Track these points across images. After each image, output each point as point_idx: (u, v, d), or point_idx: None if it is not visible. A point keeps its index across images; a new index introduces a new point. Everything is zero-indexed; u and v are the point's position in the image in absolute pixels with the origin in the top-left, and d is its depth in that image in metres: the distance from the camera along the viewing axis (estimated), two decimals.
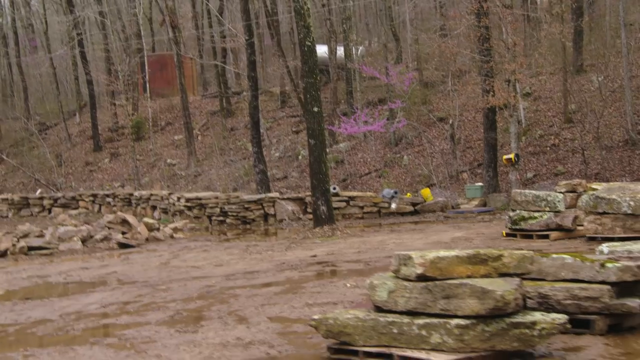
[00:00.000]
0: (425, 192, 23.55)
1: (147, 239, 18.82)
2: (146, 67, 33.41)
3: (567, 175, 23.24)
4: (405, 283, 6.61)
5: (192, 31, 37.04)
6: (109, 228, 18.47)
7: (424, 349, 6.36)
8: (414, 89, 29.91)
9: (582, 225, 14.16)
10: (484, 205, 22.47)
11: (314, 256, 14.16)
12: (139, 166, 31.90)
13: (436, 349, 6.34)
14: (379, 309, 6.81)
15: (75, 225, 19.59)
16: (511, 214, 15.03)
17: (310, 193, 24.10)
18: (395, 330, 6.49)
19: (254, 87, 26.54)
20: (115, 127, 35.16)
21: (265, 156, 29.70)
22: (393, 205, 23.09)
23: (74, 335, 8.06)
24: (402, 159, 27.63)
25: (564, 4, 26.09)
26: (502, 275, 6.73)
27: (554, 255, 7.61)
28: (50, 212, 29.79)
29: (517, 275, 6.77)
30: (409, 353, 6.33)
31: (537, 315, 6.49)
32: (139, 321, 8.63)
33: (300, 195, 24.12)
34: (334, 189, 23.65)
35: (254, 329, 7.89)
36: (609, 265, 7.20)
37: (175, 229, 23.02)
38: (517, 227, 14.88)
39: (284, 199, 23.84)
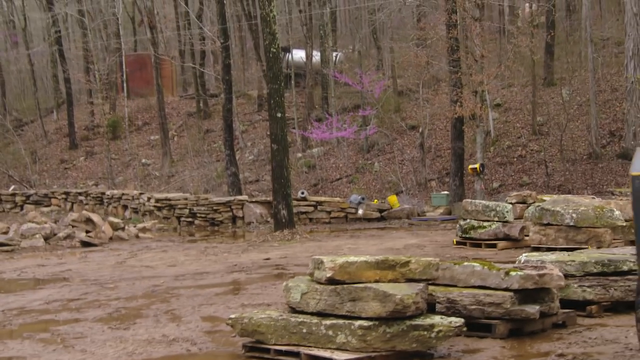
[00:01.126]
0: (392, 199, 24.08)
1: (111, 238, 19.23)
2: (124, 67, 33.82)
3: (531, 186, 23.82)
4: (317, 286, 7.11)
5: (173, 32, 37.47)
6: (72, 226, 18.89)
7: (330, 348, 6.85)
8: (387, 96, 30.47)
9: (528, 236, 14.71)
10: (449, 213, 23.00)
11: (267, 259, 14.64)
12: (113, 165, 32.30)
13: (341, 348, 6.82)
14: (293, 310, 7.31)
15: (45, 223, 20.00)
16: (462, 222, 15.57)
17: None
18: (304, 330, 6.98)
19: (228, 90, 27.02)
20: (91, 126, 35.54)
21: (240, 159, 30.18)
22: (360, 211, 23.58)
23: (10, 330, 8.50)
24: (373, 166, 28.15)
25: (535, 18, 26.74)
26: (409, 280, 7.23)
27: (465, 263, 8.13)
28: (22, 208, 30.11)
29: (423, 280, 7.27)
30: (315, 352, 6.82)
31: (436, 319, 7.00)
32: (77, 317, 9.08)
33: (268, 198, 24.49)
34: (302, 193, 24.17)
35: (184, 327, 8.36)
36: (512, 273, 7.72)
37: (144, 229, 23.43)
38: (467, 235, 15.41)
39: (252, 202, 24.27)
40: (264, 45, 19.08)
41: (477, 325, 7.73)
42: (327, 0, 31.13)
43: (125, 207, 27.54)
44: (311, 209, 23.92)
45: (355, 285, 6.92)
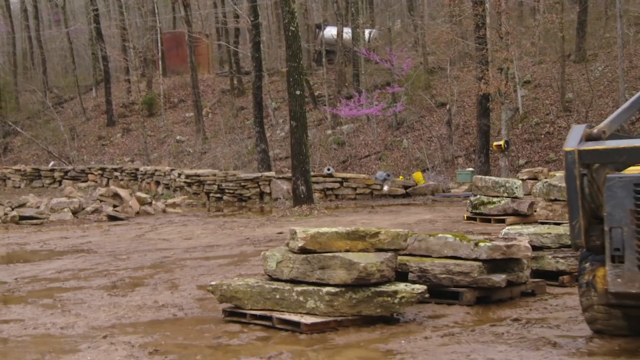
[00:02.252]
0: (417, 175, 24.50)
1: (137, 213, 20.05)
2: (159, 45, 34.62)
3: (557, 162, 23.99)
4: (290, 255, 7.67)
5: (209, 10, 38.13)
6: (100, 201, 19.74)
7: (300, 313, 7.40)
8: (418, 74, 30.73)
9: (536, 211, 15.05)
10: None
11: (280, 233, 15.23)
12: (149, 142, 33.23)
13: (311, 313, 7.37)
14: (270, 278, 7.89)
15: (75, 197, 20.94)
16: (472, 198, 15.96)
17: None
18: (278, 296, 7.55)
19: (258, 68, 27.58)
20: (128, 103, 36.50)
21: (271, 136, 30.83)
22: (385, 188, 24.06)
23: (18, 296, 9.24)
24: (402, 143, 28.54)
25: None
26: (378, 250, 7.74)
27: (439, 235, 8.60)
28: (60, 184, 31.27)
29: (392, 250, 7.78)
30: (286, 316, 7.37)
31: (400, 286, 7.51)
32: (82, 285, 9.79)
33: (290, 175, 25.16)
34: (329, 170, 24.73)
35: (177, 295, 9.00)
36: (481, 244, 8.18)
37: (173, 204, 24.30)
38: (477, 211, 15.80)
39: (279, 178, 24.89)
40: (283, 24, 19.57)
41: (447, 293, 8.23)
42: None
43: (157, 182, 28.44)
44: (337, 185, 24.46)
45: (325, 254, 7.45)
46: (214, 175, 25.47)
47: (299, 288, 7.45)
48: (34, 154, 34.77)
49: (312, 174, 24.81)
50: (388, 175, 24.36)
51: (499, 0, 22.83)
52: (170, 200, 24.88)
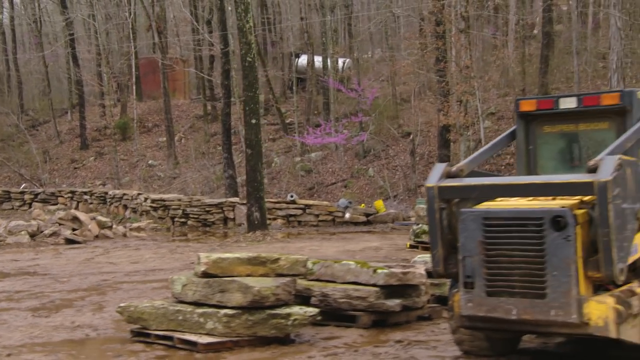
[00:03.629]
0: (378, 203, 25.18)
1: (97, 236, 20.63)
2: (133, 70, 35.33)
3: None
4: (194, 279, 8.31)
5: (180, 37, 38.96)
6: (59, 224, 20.31)
7: (200, 333, 8.03)
8: (385, 103, 31.54)
9: None
10: None
11: None
12: (122, 166, 33.83)
13: (210, 333, 8.00)
14: (177, 300, 8.52)
15: (34, 220, 21.53)
16: (414, 227, 16.64)
17: (268, 199, 25.88)
18: (180, 317, 8.17)
19: (227, 95, 28.30)
20: (102, 127, 37.16)
21: (241, 162, 31.46)
22: (347, 215, 24.72)
23: None
24: (368, 171, 29.26)
25: (528, 29, 27.60)
26: (279, 275, 8.40)
27: (343, 262, 9.27)
28: (30, 206, 31.74)
29: (291, 275, 8.43)
30: (186, 336, 7.99)
31: (295, 309, 8.15)
32: (12, 307, 10.36)
33: None
34: (292, 196, 25.38)
35: (98, 316, 9.61)
36: (379, 271, 8.85)
37: (138, 228, 24.85)
38: (419, 239, 16.45)
39: (243, 203, 25.46)
40: (240, 55, 20.31)
41: (346, 317, 8.88)
42: (330, 9, 32.19)
43: (125, 206, 28.99)
44: (300, 212, 25.07)
45: (225, 278, 8.10)
46: (179, 200, 26.05)
47: (200, 310, 8.08)
48: (6, 177, 35.32)
49: (276, 200, 25.53)
50: (350, 203, 25.03)
51: (457, 35, 23.66)
52: (135, 224, 25.42)
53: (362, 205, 25.81)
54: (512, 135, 7.68)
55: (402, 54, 30.96)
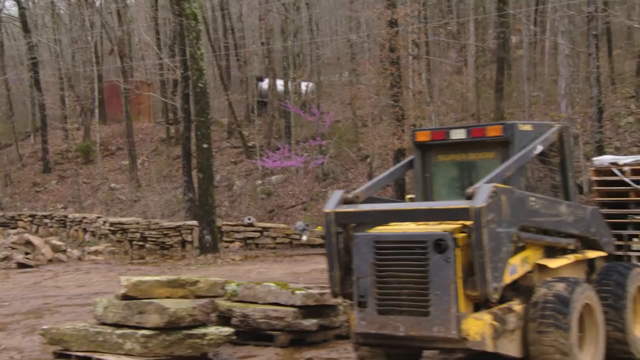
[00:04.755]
0: None
1: (50, 260, 20.94)
2: (96, 93, 35.70)
3: None
4: (115, 301, 8.74)
5: (140, 61, 39.44)
6: (12, 248, 20.60)
7: (119, 354, 8.45)
8: (345, 127, 32.16)
9: None
10: None
11: None
12: (84, 189, 34.11)
13: (129, 354, 8.41)
14: (99, 322, 8.94)
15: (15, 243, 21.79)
16: None
17: (226, 222, 26.33)
18: (100, 339, 8.59)
19: (187, 119, 28.73)
20: (65, 151, 37.42)
21: None
22: (304, 237, 25.20)
23: None
24: (327, 194, 29.77)
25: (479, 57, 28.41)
26: (198, 297, 8.86)
27: (265, 284, 9.77)
28: None
29: (210, 297, 8.90)
30: (105, 357, 8.41)
31: (211, 329, 8.61)
32: None
33: (217, 224, 26.21)
34: (249, 219, 25.82)
35: (28, 339, 10.00)
36: (297, 292, 9.34)
37: (96, 252, 25.15)
38: None
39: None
40: (192, 81, 20.83)
41: (266, 336, 9.34)
42: (293, 34, 32.82)
43: (85, 230, 29.26)
44: (258, 234, 25.49)
45: (143, 300, 8.54)
46: (137, 223, 26.37)
47: (119, 331, 8.51)
48: None
49: (234, 223, 25.95)
50: (307, 225, 25.51)
51: (410, 61, 24.33)
52: (92, 248, 25.71)
53: (319, 227, 26.28)
54: (410, 164, 8.23)
55: (359, 79, 31.64)
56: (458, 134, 7.78)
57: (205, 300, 8.78)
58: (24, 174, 37.22)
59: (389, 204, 7.75)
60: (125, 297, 8.63)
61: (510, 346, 6.97)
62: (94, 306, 8.96)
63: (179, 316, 8.40)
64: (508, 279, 7.01)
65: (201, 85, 19.76)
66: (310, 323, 9.23)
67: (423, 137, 8.00)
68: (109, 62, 44.49)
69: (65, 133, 37.57)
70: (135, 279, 8.72)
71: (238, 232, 25.16)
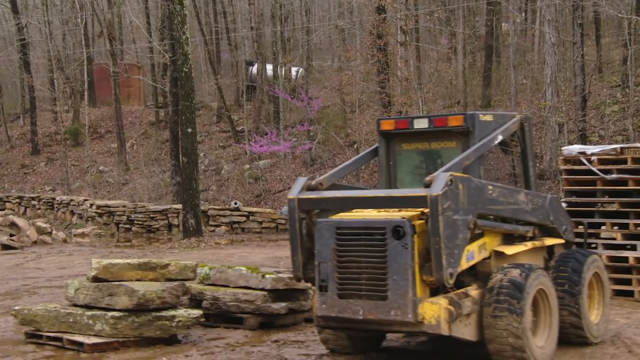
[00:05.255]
0: None
1: (34, 242, 21.09)
2: (85, 76, 35.75)
3: None
4: (86, 283, 8.93)
5: (129, 45, 39.44)
6: None
7: (89, 334, 8.65)
8: (334, 112, 32.29)
9: None
10: None
11: None
12: (72, 171, 34.21)
13: (98, 334, 8.62)
14: (71, 303, 9.13)
15: None
16: None
17: (213, 206, 26.47)
18: (71, 320, 8.78)
19: (175, 103, 28.80)
20: (54, 133, 37.50)
21: None
22: None
23: None
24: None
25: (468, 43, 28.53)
26: (168, 279, 9.06)
27: (236, 268, 9.95)
28: None
29: (180, 280, 9.09)
30: (75, 337, 8.60)
31: (180, 311, 8.81)
32: None
33: (203, 208, 26.37)
34: (235, 204, 25.98)
35: (2, 320, 10.19)
36: (267, 276, 9.53)
37: (82, 234, 25.32)
38: None
39: None
40: (177, 65, 20.94)
41: (236, 319, 9.54)
42: (283, 18, 32.88)
43: (72, 212, 29.43)
44: (244, 219, 25.66)
45: (113, 282, 8.73)
46: (124, 206, 26.53)
47: (89, 312, 8.71)
48: None
49: (220, 207, 26.11)
50: None
51: (396, 49, 24.46)
52: (79, 230, 25.88)
53: None
54: (375, 152, 8.41)
55: (349, 65, 31.75)
56: (421, 124, 7.95)
57: (175, 283, 8.98)
58: (12, 156, 37.30)
59: (350, 191, 7.91)
60: (96, 279, 8.82)
61: (466, 330, 7.18)
62: (65, 288, 9.15)
63: (148, 298, 8.59)
64: (465, 265, 7.21)
65: (186, 70, 19.89)
66: (279, 306, 9.43)
67: (387, 126, 8.17)
68: (99, 45, 44.45)
69: (54, 115, 37.61)
70: (105, 261, 8.91)
71: (224, 216, 25.32)
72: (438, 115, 8.07)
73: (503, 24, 33.97)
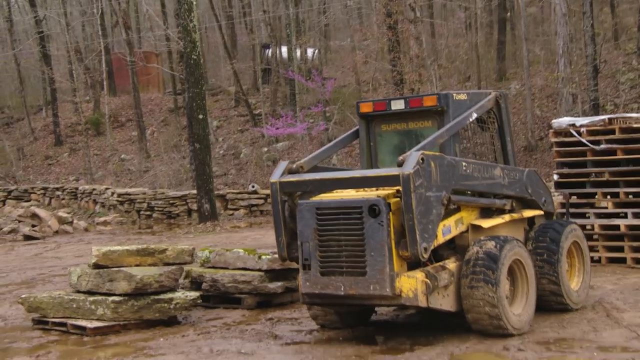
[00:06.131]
0: None
1: (56, 232, 21.69)
2: (103, 65, 36.29)
3: None
4: (87, 270, 9.35)
5: (145, 33, 39.82)
6: (19, 221, 21.36)
7: (92, 319, 9.07)
8: (350, 92, 32.49)
9: None
10: None
11: None
12: (95, 161, 34.85)
13: (100, 319, 9.04)
14: (74, 290, 9.56)
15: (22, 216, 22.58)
16: None
17: (231, 190, 26.90)
18: (74, 305, 9.21)
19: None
20: (76, 123, 38.15)
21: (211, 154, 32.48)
22: None
23: None
24: (332, 159, 30.24)
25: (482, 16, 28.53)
26: (166, 264, 9.46)
27: (234, 250, 10.33)
28: (4, 203, 32.81)
29: (177, 264, 9.48)
30: (79, 322, 9.03)
31: (177, 294, 9.20)
32: None
33: (221, 192, 26.81)
34: (253, 187, 26.36)
35: (14, 308, 10.65)
36: (263, 257, 9.89)
37: (105, 222, 25.93)
38: None
39: None
40: (185, 53, 21.29)
41: (235, 299, 9.93)
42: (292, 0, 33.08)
43: (95, 201, 30.04)
44: (262, 201, 26.02)
45: (113, 268, 9.13)
46: (144, 193, 27.05)
47: (91, 298, 9.13)
48: None
49: (238, 190, 26.52)
50: None
51: (407, 26, 24.56)
52: (101, 219, 26.49)
53: None
54: (356, 134, 8.69)
55: (364, 44, 31.91)
56: (397, 105, 8.22)
57: (173, 267, 9.36)
58: (36, 148, 38.03)
59: (329, 172, 8.20)
60: (96, 266, 9.23)
61: (444, 301, 7.48)
62: (69, 275, 9.58)
63: (146, 282, 8.99)
64: (442, 239, 7.51)
65: (195, 57, 20.23)
66: (275, 286, 9.78)
67: (366, 108, 8.44)
68: (118, 34, 44.98)
69: (75, 106, 38.25)
70: (105, 248, 9.31)
71: (242, 199, 25.69)
72: (413, 96, 8.32)
73: None
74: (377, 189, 7.63)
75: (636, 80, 26.10)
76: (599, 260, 11.10)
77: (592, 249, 11.02)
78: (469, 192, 7.95)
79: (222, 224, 21.11)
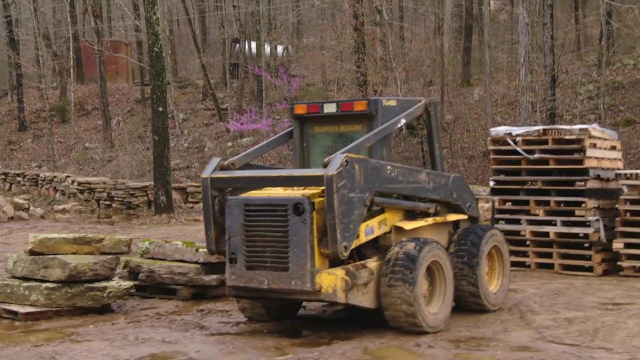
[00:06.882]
0: None
1: (11, 218, 21.70)
2: (71, 53, 36.21)
3: None
4: (24, 256, 9.53)
5: (113, 22, 39.79)
6: None
7: (25, 304, 9.25)
8: (316, 91, 32.76)
9: None
10: None
11: None
12: (59, 148, 34.79)
13: (33, 304, 9.22)
14: (10, 275, 9.72)
15: None
16: None
17: (192, 183, 27.04)
18: (8, 290, 9.39)
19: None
20: (41, 109, 38.05)
21: (175, 146, 32.58)
22: None
23: None
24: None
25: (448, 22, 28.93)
26: (103, 253, 9.68)
27: (173, 242, 10.56)
28: None
29: (114, 254, 9.69)
30: (12, 307, 9.21)
31: (111, 283, 9.41)
32: None
33: (182, 185, 26.94)
34: None
35: None
36: (200, 250, 10.12)
37: (63, 210, 25.91)
38: None
39: None
40: (148, 45, 21.42)
41: (170, 290, 10.14)
42: None
43: (55, 189, 30.01)
44: None
45: (48, 255, 9.31)
46: (105, 183, 27.06)
47: (26, 284, 9.32)
48: None
49: (198, 184, 26.65)
50: None
51: (372, 29, 24.89)
52: (60, 207, 26.47)
53: None
54: (290, 134, 8.95)
55: (331, 43, 32.18)
56: (329, 108, 8.51)
57: (108, 256, 9.56)
58: None
59: (258, 170, 8.46)
60: (32, 252, 9.42)
61: (364, 298, 7.78)
62: (5, 261, 9.73)
63: (80, 270, 9.18)
64: (364, 238, 7.82)
65: (157, 49, 20.37)
66: (210, 278, 10.02)
67: (300, 110, 8.71)
68: (88, 22, 44.85)
69: (40, 92, 38.14)
70: (42, 236, 9.50)
71: None
72: (345, 101, 8.62)
73: (491, 2, 34.33)
74: (304, 189, 7.89)
75: (594, 92, 26.64)
76: (529, 266, 11.47)
77: (523, 254, 11.39)
78: (394, 195, 8.23)
79: (177, 216, 21.29)
